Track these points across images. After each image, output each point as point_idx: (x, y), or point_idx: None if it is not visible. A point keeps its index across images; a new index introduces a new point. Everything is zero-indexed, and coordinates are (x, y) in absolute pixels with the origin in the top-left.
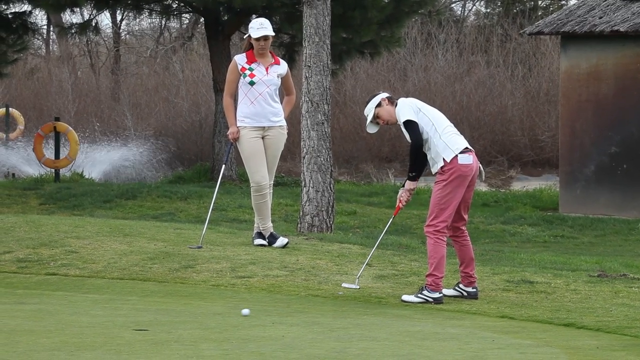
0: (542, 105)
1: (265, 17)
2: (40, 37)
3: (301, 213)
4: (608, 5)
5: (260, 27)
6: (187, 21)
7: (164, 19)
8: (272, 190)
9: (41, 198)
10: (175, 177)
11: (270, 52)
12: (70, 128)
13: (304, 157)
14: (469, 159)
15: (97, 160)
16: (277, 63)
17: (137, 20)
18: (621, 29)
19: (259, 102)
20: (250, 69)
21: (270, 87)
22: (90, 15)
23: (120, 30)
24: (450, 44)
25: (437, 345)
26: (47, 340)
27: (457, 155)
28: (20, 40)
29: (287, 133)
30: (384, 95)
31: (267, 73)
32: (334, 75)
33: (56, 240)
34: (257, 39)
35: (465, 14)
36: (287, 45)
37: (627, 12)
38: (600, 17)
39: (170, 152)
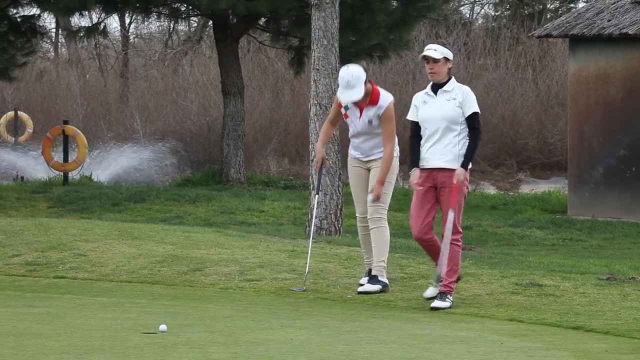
0: (552, 108)
1: (274, 22)
2: (48, 41)
3: (309, 216)
4: (617, 8)
5: (346, 86)
6: (196, 24)
7: (173, 22)
8: (380, 225)
9: (50, 201)
10: (183, 180)
11: (372, 89)
12: (79, 131)
13: (312, 160)
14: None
15: (106, 164)
16: (374, 103)
17: (146, 23)
18: (630, 32)
19: (358, 140)
20: (346, 108)
21: (363, 130)
22: (98, 18)
23: (129, 34)
24: (459, 47)
25: (445, 348)
26: (56, 343)
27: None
28: (29, 43)
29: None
30: (450, 56)
31: (360, 116)
32: None
33: (65, 243)
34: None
35: (474, 17)
36: (296, 48)
37: (635, 15)
38: (609, 20)
39: (179, 155)
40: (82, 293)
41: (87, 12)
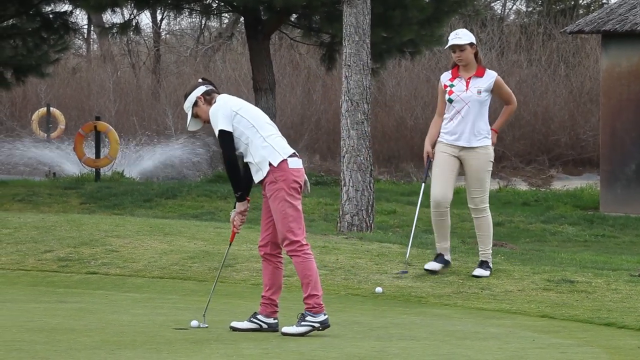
0: (585, 105)
1: (306, 18)
2: (81, 37)
3: (341, 212)
4: None
5: (454, 37)
6: (227, 20)
7: (204, 18)
8: (486, 214)
9: (82, 197)
10: (215, 176)
11: (478, 64)
12: (111, 127)
13: (343, 156)
14: (298, 163)
15: (138, 160)
16: (480, 75)
17: (177, 19)
18: None
19: (457, 121)
20: (451, 86)
21: (470, 104)
22: (130, 14)
23: (161, 30)
24: (492, 43)
25: (477, 344)
26: (88, 338)
27: (285, 160)
28: (62, 40)
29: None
30: (200, 91)
31: (467, 89)
32: (375, 74)
33: (97, 239)
34: (453, 50)
35: (506, 12)
36: (327, 45)
37: None
38: None
39: (211, 150)
40: (114, 289)
41: (119, 9)
